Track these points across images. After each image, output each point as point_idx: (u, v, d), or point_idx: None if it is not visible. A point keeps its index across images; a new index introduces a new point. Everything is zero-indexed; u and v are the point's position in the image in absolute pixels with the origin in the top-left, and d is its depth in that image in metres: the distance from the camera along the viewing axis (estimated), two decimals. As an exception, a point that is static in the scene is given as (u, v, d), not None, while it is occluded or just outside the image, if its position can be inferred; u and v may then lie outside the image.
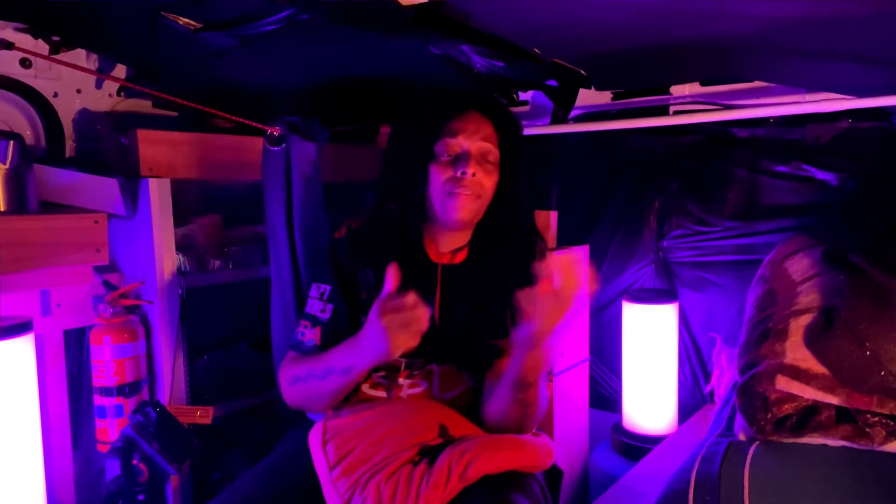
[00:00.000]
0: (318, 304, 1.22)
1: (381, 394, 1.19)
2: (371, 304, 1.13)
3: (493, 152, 1.19)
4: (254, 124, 1.60)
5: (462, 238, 1.24)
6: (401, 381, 1.18)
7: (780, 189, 1.62)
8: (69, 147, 1.67)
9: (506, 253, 1.22)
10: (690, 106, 1.71)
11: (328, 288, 1.22)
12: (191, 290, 1.53)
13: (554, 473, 1.21)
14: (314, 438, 1.12)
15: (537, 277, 1.24)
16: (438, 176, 1.17)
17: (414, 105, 1.28)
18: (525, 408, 1.11)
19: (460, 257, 1.23)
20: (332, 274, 1.23)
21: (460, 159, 1.16)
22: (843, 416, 1.05)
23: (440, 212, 1.19)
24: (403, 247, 1.18)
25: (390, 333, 0.96)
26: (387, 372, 1.18)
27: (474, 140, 1.17)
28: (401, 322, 0.96)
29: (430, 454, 1.06)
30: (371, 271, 1.19)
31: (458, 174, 1.14)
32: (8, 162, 1.31)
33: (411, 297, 0.96)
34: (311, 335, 1.19)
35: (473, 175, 1.14)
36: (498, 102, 1.27)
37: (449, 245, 1.24)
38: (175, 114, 1.89)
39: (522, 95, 1.90)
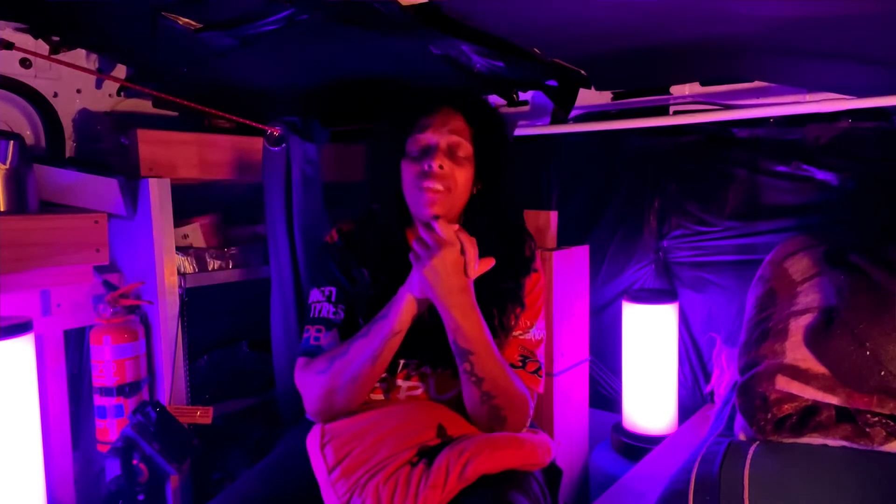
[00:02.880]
0: (327, 306, 1.19)
1: (379, 396, 1.19)
2: (368, 304, 1.13)
3: (465, 146, 1.17)
4: (254, 124, 1.60)
5: None
6: (399, 382, 1.18)
7: (780, 189, 1.62)
8: (69, 147, 1.67)
9: (492, 250, 1.19)
10: (690, 106, 1.71)
11: (333, 290, 1.20)
12: (191, 290, 1.53)
13: (553, 472, 1.21)
14: (312, 442, 1.11)
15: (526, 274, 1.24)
16: (408, 172, 1.16)
17: (390, 105, 1.26)
18: (478, 386, 1.09)
19: None
20: (333, 276, 1.22)
21: (427, 152, 1.15)
22: (843, 416, 1.05)
23: (414, 208, 1.18)
24: (390, 247, 1.18)
25: (416, 259, 1.04)
26: (384, 374, 1.17)
27: (442, 133, 1.15)
28: (424, 249, 1.04)
29: (428, 454, 1.06)
30: (366, 270, 1.19)
31: (425, 168, 1.13)
32: (8, 162, 1.31)
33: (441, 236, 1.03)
34: (329, 339, 1.16)
35: (440, 167, 1.13)
36: (474, 97, 1.24)
37: None
38: (175, 114, 1.89)
39: (522, 95, 1.90)
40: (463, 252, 1.04)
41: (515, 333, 1.20)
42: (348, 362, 1.10)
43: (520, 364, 1.19)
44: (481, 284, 1.11)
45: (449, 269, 1.03)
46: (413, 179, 1.15)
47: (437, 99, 1.20)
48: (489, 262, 1.09)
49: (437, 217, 1.08)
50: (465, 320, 1.06)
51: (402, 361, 1.17)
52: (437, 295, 1.04)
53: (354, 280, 1.20)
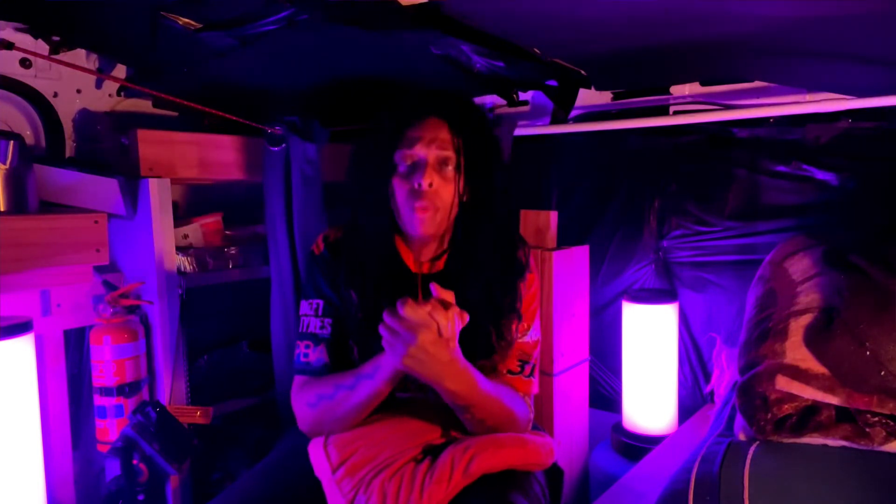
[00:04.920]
0: (314, 321, 1.18)
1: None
2: (358, 326, 1.13)
3: (453, 158, 1.12)
4: (254, 124, 1.61)
5: (439, 245, 1.21)
6: (398, 395, 1.18)
7: (780, 189, 1.62)
8: (69, 147, 1.67)
9: (485, 258, 1.17)
10: (690, 106, 1.71)
11: (321, 303, 1.18)
12: (191, 290, 1.53)
13: (554, 473, 1.21)
14: (315, 442, 1.11)
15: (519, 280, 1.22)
16: (399, 189, 1.13)
17: (377, 115, 1.21)
18: (479, 424, 1.09)
19: (439, 265, 1.20)
20: (319, 289, 1.19)
21: (416, 168, 1.11)
22: (843, 416, 1.05)
23: (405, 226, 1.15)
24: (381, 260, 1.15)
25: (389, 346, 0.98)
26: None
27: (430, 148, 1.11)
28: (395, 337, 0.97)
29: (433, 452, 1.06)
30: (354, 293, 1.16)
31: (416, 185, 1.10)
32: (8, 162, 1.31)
33: (404, 317, 0.95)
34: (317, 354, 1.15)
35: (430, 185, 1.10)
36: (460, 101, 1.18)
37: (427, 254, 1.20)
38: (175, 114, 1.89)
39: (522, 95, 1.90)
40: (440, 332, 0.96)
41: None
42: (335, 405, 1.09)
43: (518, 370, 1.19)
44: (478, 304, 1.10)
45: (430, 352, 0.96)
46: (405, 199, 1.12)
47: (423, 108, 1.15)
48: (463, 318, 1.01)
49: (404, 300, 0.98)
50: (459, 386, 1.03)
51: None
52: (423, 377, 1.01)
53: (342, 297, 1.18)
